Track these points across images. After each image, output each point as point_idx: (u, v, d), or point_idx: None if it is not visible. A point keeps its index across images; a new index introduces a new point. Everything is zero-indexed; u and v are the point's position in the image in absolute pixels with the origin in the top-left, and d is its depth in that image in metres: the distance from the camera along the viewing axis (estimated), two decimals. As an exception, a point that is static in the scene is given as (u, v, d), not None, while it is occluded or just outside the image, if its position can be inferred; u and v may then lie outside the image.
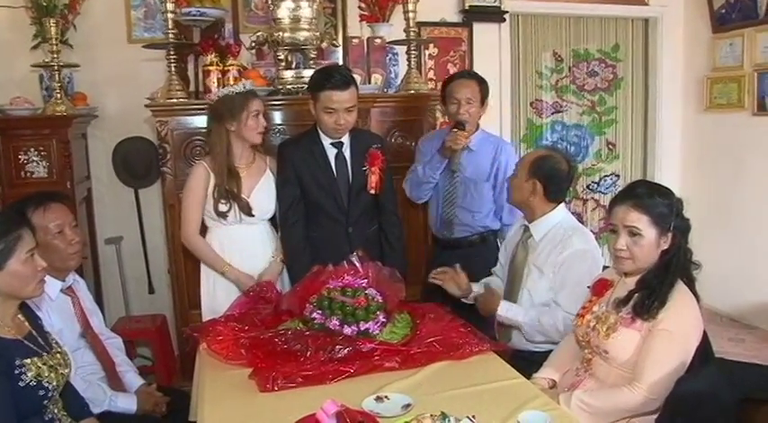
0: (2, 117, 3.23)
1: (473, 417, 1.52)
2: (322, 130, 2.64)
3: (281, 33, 3.02)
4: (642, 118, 4.90)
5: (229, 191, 2.58)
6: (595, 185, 4.89)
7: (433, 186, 2.94)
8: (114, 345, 2.40)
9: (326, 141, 2.65)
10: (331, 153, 2.66)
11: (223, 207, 2.58)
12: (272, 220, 2.76)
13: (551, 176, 2.36)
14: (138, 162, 3.72)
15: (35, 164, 3.20)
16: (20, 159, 3.18)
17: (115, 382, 2.28)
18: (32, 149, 3.19)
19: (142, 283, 3.88)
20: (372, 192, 2.67)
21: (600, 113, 4.83)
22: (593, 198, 4.90)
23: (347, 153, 2.68)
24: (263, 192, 2.65)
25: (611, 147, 4.89)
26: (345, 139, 2.68)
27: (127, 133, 3.73)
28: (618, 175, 4.91)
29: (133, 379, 2.34)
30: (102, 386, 2.19)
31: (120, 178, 3.77)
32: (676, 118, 4.83)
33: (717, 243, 4.12)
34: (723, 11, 4.35)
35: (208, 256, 2.64)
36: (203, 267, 2.71)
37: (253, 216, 2.62)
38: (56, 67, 3.21)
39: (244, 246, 2.65)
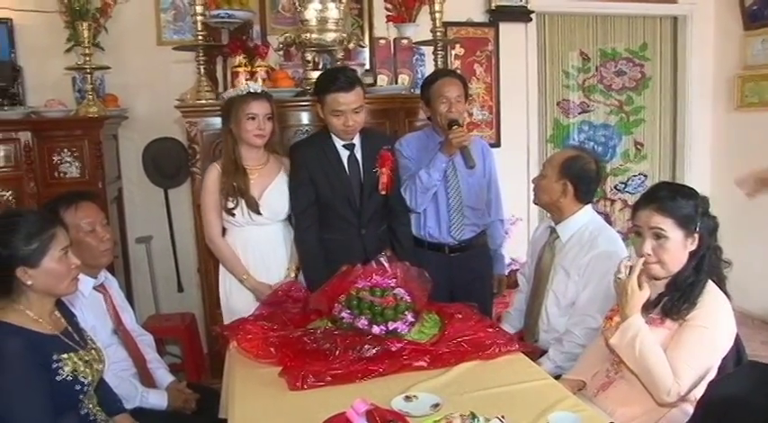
0: (36, 119, 3.30)
1: (502, 417, 1.51)
2: (332, 132, 2.62)
3: (308, 34, 3.02)
4: (671, 117, 4.83)
5: (236, 187, 2.56)
6: (623, 186, 4.84)
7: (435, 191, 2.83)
8: (145, 342, 2.44)
9: (339, 143, 2.63)
10: (344, 154, 2.64)
11: (230, 203, 2.57)
12: (290, 221, 2.73)
13: (582, 177, 2.35)
14: (167, 162, 3.77)
15: (68, 164, 3.26)
16: (53, 160, 3.24)
17: (146, 378, 2.32)
18: (66, 150, 3.25)
19: (171, 282, 3.93)
20: (383, 193, 2.66)
21: (627, 113, 4.78)
22: (620, 198, 4.85)
23: (359, 154, 2.66)
24: (275, 192, 2.62)
25: (639, 147, 4.83)
26: (356, 141, 2.66)
27: (157, 134, 3.78)
28: (646, 176, 4.85)
29: (164, 376, 2.38)
30: (134, 382, 2.23)
31: (151, 178, 3.82)
32: (706, 117, 4.76)
33: (749, 245, 4.03)
34: (755, 7, 4.28)
35: (229, 260, 2.64)
36: (221, 268, 2.72)
37: (260, 214, 2.59)
38: (88, 70, 3.27)
39: (257, 248, 2.64)
